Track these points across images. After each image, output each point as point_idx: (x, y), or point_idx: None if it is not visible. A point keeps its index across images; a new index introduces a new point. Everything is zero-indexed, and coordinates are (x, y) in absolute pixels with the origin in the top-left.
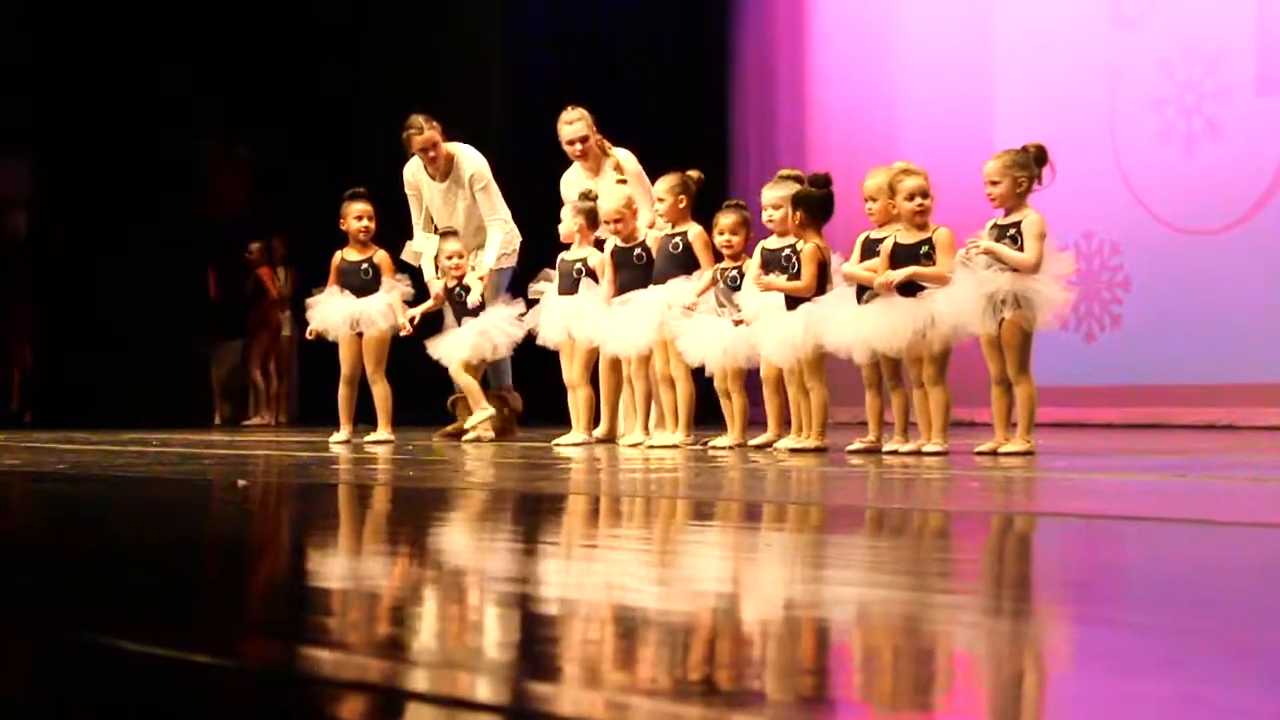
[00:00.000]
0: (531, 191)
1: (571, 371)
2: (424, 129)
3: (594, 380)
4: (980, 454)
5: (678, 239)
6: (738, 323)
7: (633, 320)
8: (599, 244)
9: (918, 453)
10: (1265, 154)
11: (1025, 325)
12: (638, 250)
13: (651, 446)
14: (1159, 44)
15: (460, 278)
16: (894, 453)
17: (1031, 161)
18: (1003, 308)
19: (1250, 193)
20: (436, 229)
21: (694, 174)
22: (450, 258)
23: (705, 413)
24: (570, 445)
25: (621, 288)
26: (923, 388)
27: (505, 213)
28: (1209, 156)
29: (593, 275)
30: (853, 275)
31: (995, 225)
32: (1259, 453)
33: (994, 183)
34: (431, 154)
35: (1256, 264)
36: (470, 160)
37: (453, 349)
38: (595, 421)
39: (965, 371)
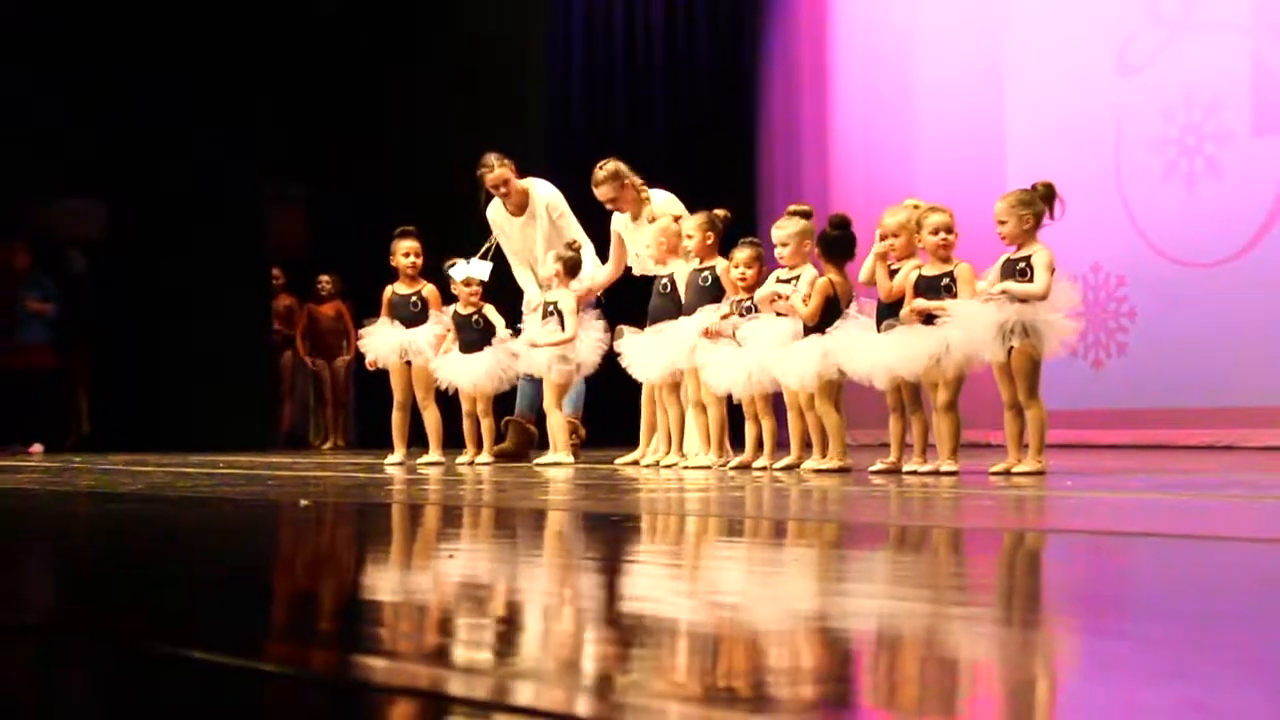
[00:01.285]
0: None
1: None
2: (495, 167)
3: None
4: (995, 474)
5: (706, 273)
6: (731, 314)
7: (660, 349)
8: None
9: (935, 473)
10: (1262, 191)
11: (1033, 353)
12: (664, 282)
13: (685, 467)
14: (1161, 90)
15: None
16: (913, 473)
17: (1038, 199)
18: (1011, 336)
19: (1248, 228)
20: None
21: (721, 212)
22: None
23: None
24: (550, 463)
25: (652, 317)
26: (935, 410)
27: (585, 240)
28: (1209, 194)
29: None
30: (923, 308)
31: (1007, 260)
32: (1258, 471)
33: (1002, 222)
34: (504, 190)
35: (1254, 294)
36: (543, 193)
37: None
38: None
39: (979, 396)
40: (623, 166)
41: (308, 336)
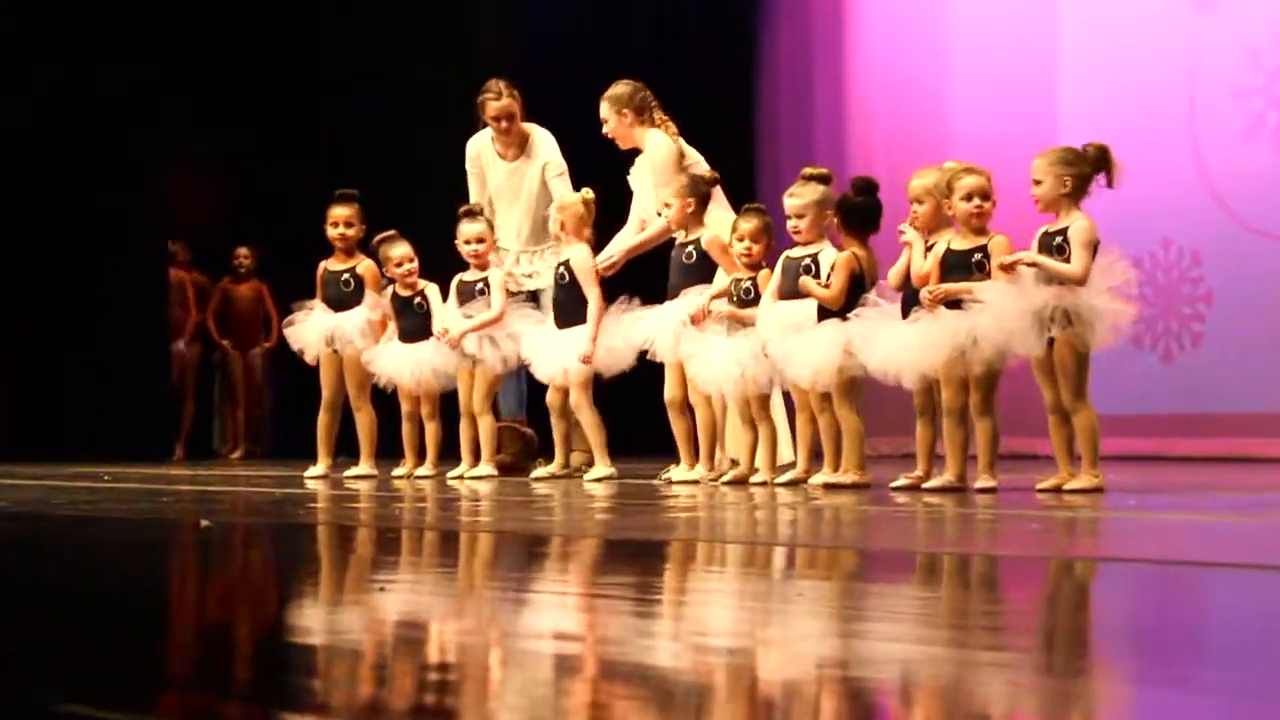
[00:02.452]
0: None
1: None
2: (502, 94)
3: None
4: (1042, 491)
5: (690, 247)
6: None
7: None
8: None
9: (956, 489)
10: None
11: (1078, 345)
12: (561, 271)
13: (671, 482)
14: (1245, 26)
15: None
16: (938, 489)
17: (1085, 161)
18: (1051, 325)
19: None
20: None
21: (707, 173)
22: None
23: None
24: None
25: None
26: (954, 414)
27: None
28: None
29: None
30: (943, 292)
31: (1044, 233)
32: None
33: (1037, 181)
34: (504, 125)
35: None
36: (548, 144)
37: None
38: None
39: (1021, 397)
40: (624, 90)
41: (220, 322)
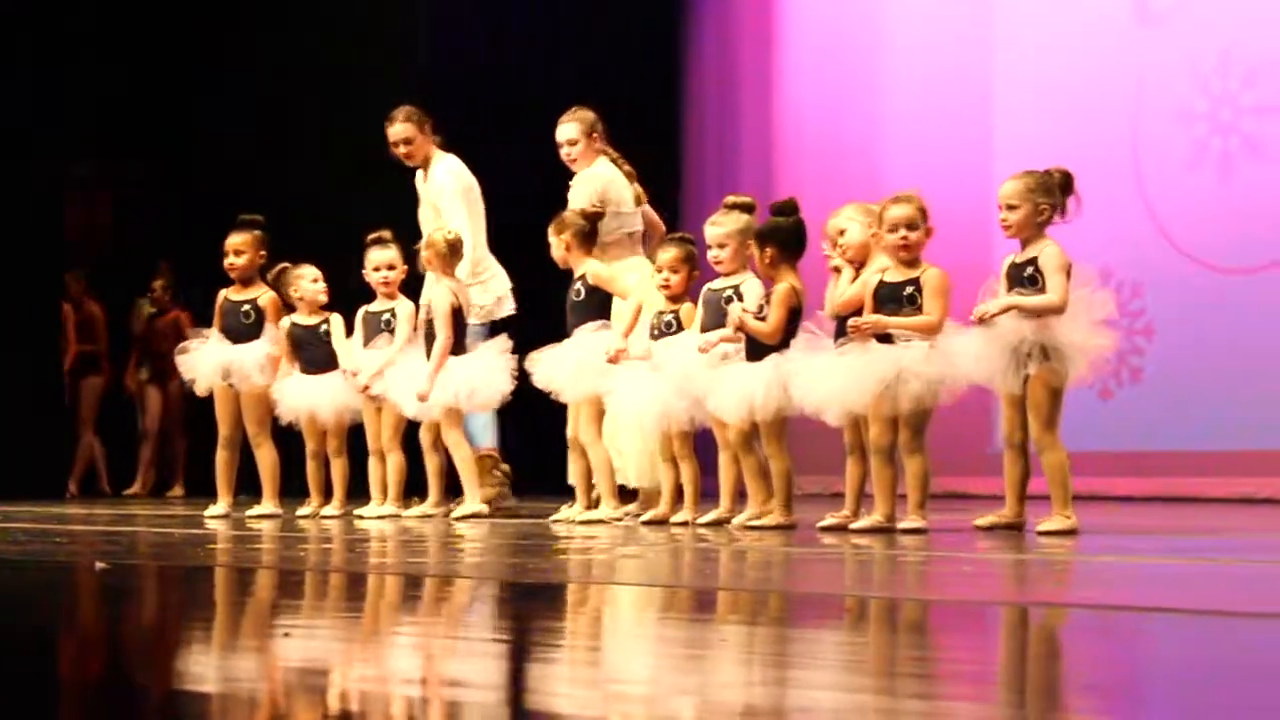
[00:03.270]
0: None
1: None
2: (396, 120)
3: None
4: (980, 528)
5: (578, 284)
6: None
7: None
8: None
9: (884, 530)
10: None
11: (1054, 380)
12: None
13: (573, 522)
14: (1190, 48)
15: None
16: (862, 530)
17: (1056, 188)
18: (1029, 362)
19: None
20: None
21: (588, 208)
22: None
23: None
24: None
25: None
26: (882, 452)
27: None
28: (1247, 181)
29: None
30: (872, 326)
31: (1013, 264)
32: None
33: (1011, 207)
34: (404, 150)
35: None
36: (440, 168)
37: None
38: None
39: (951, 436)
40: (592, 116)
41: (143, 354)
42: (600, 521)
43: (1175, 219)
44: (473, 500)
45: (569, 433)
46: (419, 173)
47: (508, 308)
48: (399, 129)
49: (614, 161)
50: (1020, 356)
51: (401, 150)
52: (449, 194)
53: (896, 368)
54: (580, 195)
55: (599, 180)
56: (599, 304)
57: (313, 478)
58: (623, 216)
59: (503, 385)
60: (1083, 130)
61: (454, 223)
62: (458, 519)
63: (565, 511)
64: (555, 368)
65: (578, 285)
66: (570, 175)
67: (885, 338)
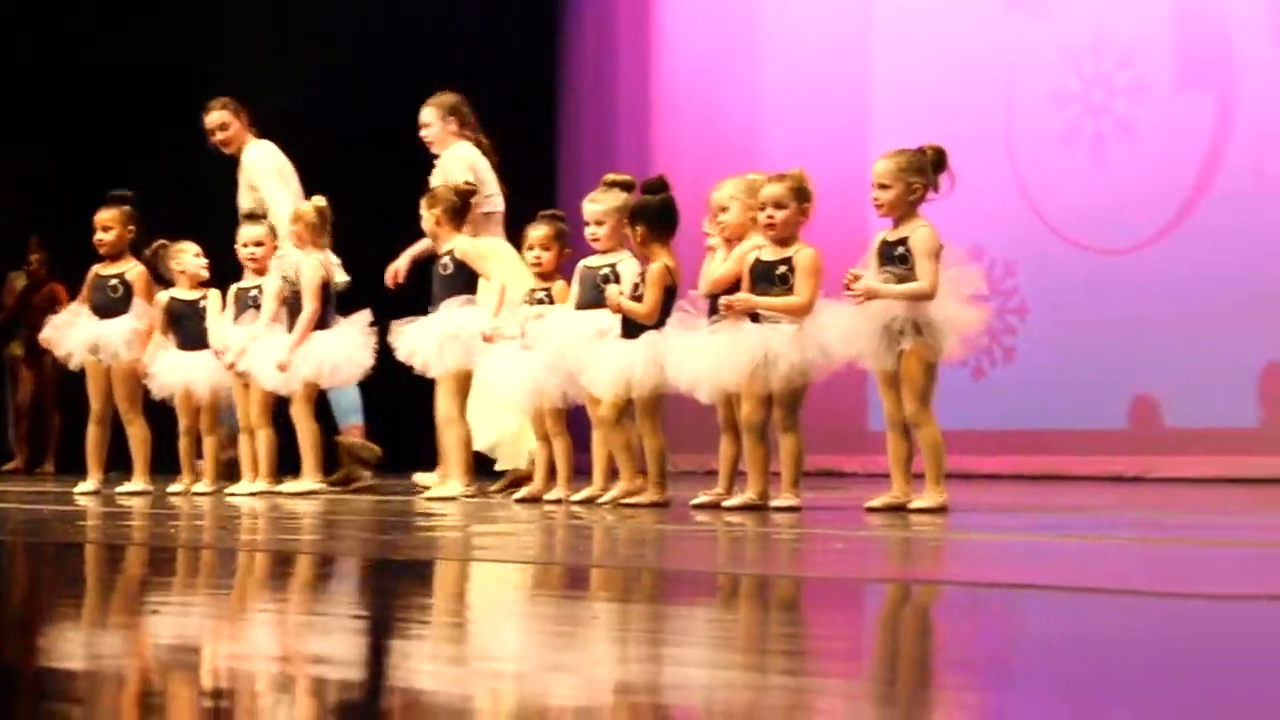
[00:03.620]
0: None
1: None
2: (212, 109)
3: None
4: (873, 510)
5: (445, 259)
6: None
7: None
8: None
9: (757, 507)
10: (1185, 160)
11: (928, 356)
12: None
13: (429, 498)
14: (1064, 30)
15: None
16: (735, 508)
17: (929, 166)
18: (901, 338)
19: (1167, 206)
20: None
21: (460, 184)
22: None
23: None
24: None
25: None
26: (753, 430)
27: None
28: (1120, 162)
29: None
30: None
31: (884, 241)
32: (1169, 509)
33: (883, 186)
34: (221, 138)
35: (1173, 289)
36: (255, 153)
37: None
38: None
39: (823, 414)
40: (450, 99)
41: (15, 327)
42: (450, 499)
43: (1049, 199)
44: (312, 478)
45: (440, 408)
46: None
47: (340, 278)
48: (215, 117)
49: (477, 145)
50: (892, 334)
51: (218, 137)
52: (263, 173)
53: (765, 347)
54: (455, 171)
55: (468, 158)
56: (466, 280)
57: (184, 454)
58: (483, 197)
59: (364, 361)
60: (958, 109)
61: (276, 202)
62: (289, 495)
63: (421, 477)
64: (420, 341)
65: (445, 259)
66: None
67: (757, 316)
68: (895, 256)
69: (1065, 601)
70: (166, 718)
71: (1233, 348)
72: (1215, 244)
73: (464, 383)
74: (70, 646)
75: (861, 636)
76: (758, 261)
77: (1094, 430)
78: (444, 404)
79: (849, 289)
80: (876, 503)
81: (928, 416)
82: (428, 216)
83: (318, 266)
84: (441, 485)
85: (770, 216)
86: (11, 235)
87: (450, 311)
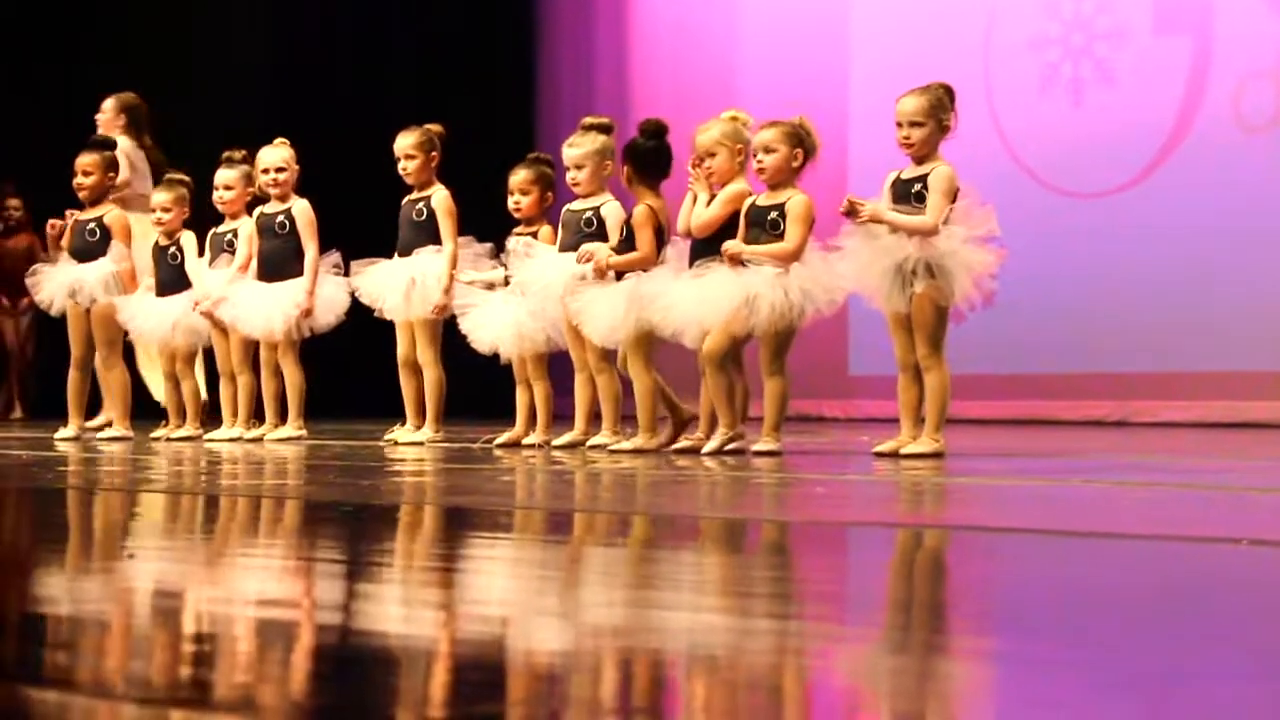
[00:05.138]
0: None
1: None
2: (106, 111)
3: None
4: (881, 455)
5: (421, 204)
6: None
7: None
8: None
9: (736, 446)
10: (1163, 105)
11: (940, 299)
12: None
13: (398, 443)
14: None
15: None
16: (712, 452)
17: (950, 104)
18: (913, 280)
19: (1146, 150)
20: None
21: (435, 127)
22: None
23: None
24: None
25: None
26: (711, 359)
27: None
28: (1099, 107)
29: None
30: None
31: (900, 179)
32: (1154, 453)
33: (916, 124)
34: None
35: (1152, 233)
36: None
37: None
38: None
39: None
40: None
41: None
42: (418, 444)
43: (1028, 144)
44: (293, 425)
45: (400, 354)
46: None
47: None
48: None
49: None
50: (905, 274)
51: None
52: None
53: (746, 290)
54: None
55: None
56: (437, 230)
57: (168, 399)
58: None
59: (339, 306)
60: (937, 52)
61: None
62: (272, 441)
63: (395, 432)
64: (386, 285)
65: (420, 205)
66: None
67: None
68: (913, 194)
69: (1050, 544)
70: (148, 661)
71: (1212, 290)
72: (1194, 187)
73: (437, 330)
74: (47, 591)
75: (842, 579)
76: (753, 206)
77: (1075, 374)
78: (405, 350)
79: (847, 215)
80: (884, 447)
81: (938, 360)
82: (419, 160)
83: (308, 207)
84: (408, 433)
85: (760, 161)
86: None
87: (423, 258)
